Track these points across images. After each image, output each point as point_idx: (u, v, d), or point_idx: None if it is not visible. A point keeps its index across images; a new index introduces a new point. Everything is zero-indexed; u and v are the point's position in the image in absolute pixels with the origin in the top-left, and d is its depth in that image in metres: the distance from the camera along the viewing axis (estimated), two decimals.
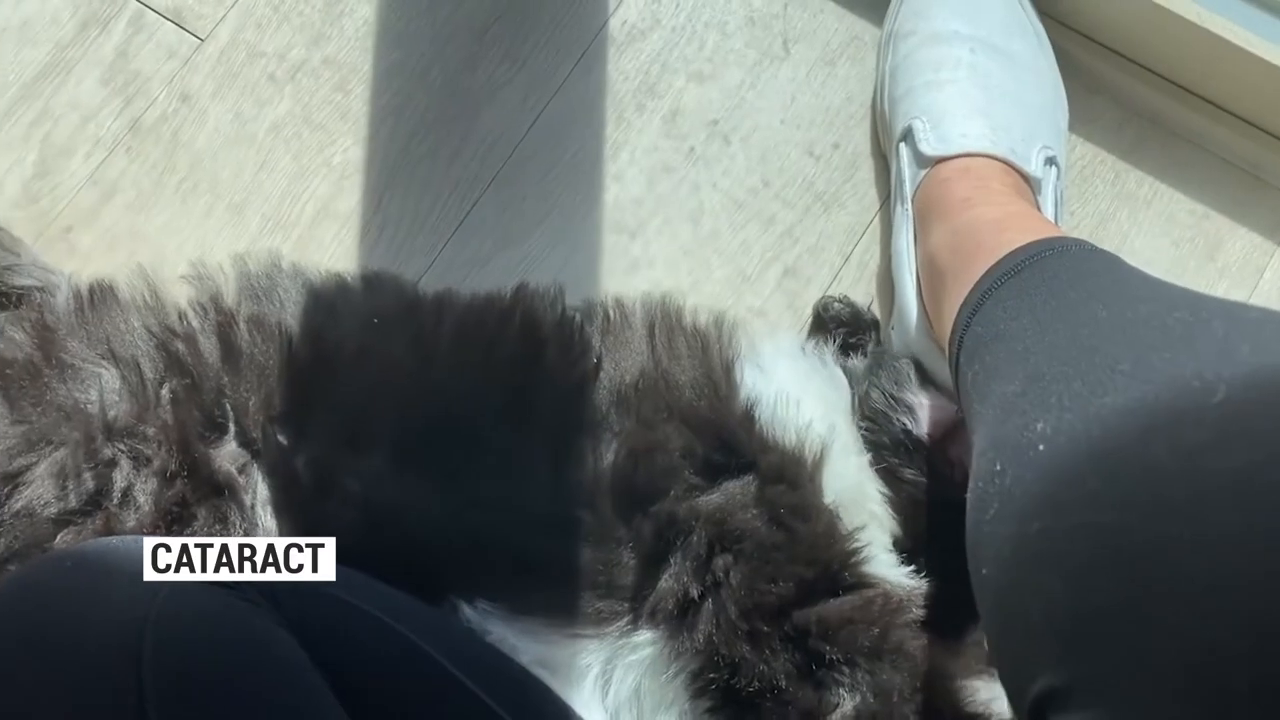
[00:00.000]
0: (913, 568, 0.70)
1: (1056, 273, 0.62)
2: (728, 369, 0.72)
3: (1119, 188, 0.91)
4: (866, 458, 0.72)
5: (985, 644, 0.55)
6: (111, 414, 0.69)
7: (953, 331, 0.67)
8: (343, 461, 0.68)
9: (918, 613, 0.68)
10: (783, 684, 0.65)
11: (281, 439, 0.69)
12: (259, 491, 0.69)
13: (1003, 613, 0.49)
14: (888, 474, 0.72)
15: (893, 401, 0.72)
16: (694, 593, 0.65)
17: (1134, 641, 0.41)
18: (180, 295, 0.76)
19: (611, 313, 0.75)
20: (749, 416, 0.70)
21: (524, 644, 0.67)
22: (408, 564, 0.66)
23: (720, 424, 0.69)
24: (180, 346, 0.71)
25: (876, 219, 0.91)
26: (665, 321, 0.74)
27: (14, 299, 0.80)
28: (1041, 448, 0.48)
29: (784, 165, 0.92)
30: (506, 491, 0.68)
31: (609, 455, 0.68)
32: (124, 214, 0.91)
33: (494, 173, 0.92)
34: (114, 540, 0.58)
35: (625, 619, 0.67)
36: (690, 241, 0.91)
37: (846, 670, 0.65)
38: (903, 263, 0.83)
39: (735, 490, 0.68)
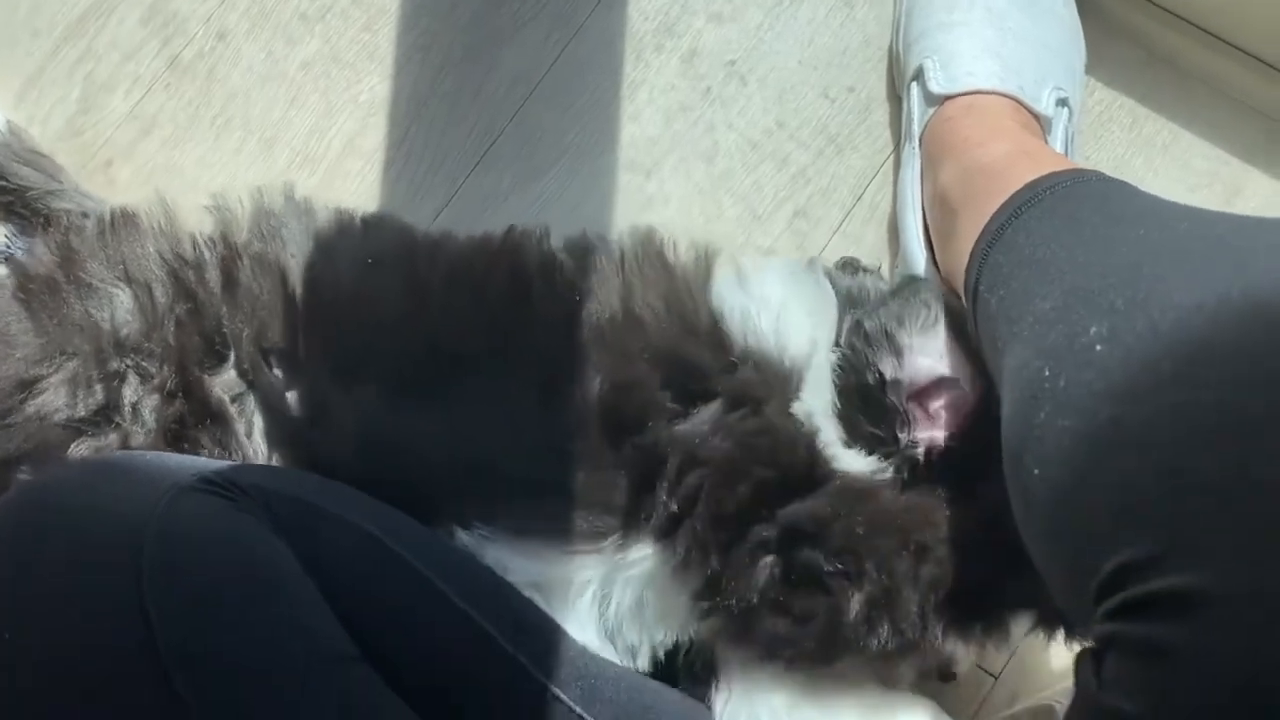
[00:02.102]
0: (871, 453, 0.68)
1: (1080, 199, 0.61)
2: (696, 293, 0.72)
3: (1136, 132, 0.91)
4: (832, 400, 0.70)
5: (1029, 548, 0.55)
6: (123, 332, 0.72)
7: (970, 262, 0.67)
8: (334, 396, 0.70)
9: (889, 486, 0.67)
10: (770, 593, 0.66)
11: (276, 371, 0.72)
12: (255, 421, 0.72)
13: (1063, 504, 0.49)
14: (848, 424, 0.69)
15: (885, 338, 0.68)
16: (674, 508, 0.67)
17: (1243, 504, 0.41)
18: (203, 225, 0.79)
19: (597, 249, 0.75)
20: (716, 337, 0.70)
21: (520, 565, 0.69)
22: (400, 494, 0.68)
23: (685, 352, 0.69)
24: (190, 274, 0.74)
25: (889, 162, 0.91)
26: (638, 254, 0.74)
27: (53, 221, 0.84)
28: (1099, 348, 0.48)
29: (799, 107, 0.93)
30: (497, 423, 0.70)
31: (594, 388, 0.69)
32: (161, 148, 0.94)
33: (514, 110, 0.94)
34: (120, 454, 0.61)
35: (619, 534, 0.69)
36: (704, 181, 0.92)
37: (839, 565, 0.65)
38: (906, 202, 0.83)
39: (705, 417, 0.69)
